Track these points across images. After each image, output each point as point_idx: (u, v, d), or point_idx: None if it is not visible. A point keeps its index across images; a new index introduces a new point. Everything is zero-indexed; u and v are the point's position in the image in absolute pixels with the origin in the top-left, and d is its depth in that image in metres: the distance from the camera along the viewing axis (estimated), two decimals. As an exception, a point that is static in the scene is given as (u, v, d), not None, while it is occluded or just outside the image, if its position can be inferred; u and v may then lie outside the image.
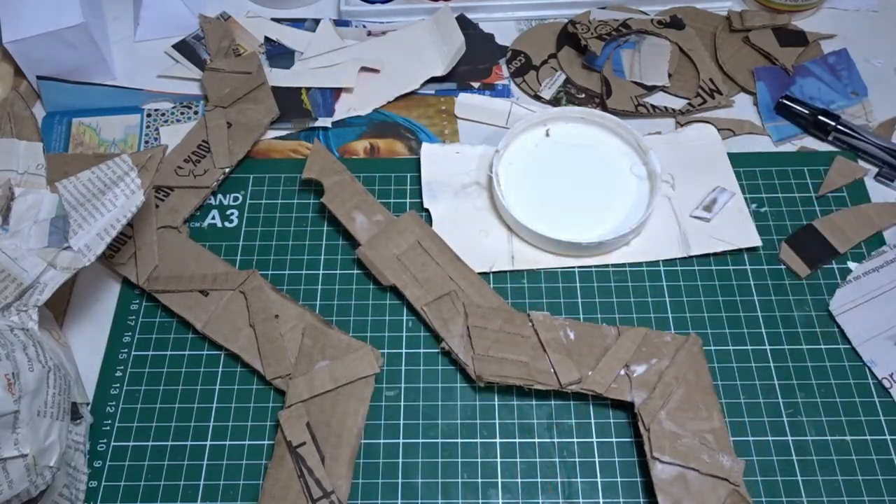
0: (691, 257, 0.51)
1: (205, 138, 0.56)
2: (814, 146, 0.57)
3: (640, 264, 0.51)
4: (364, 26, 0.65)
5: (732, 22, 0.63)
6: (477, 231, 0.52)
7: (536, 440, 0.45)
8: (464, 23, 0.64)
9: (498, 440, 0.45)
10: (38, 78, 0.59)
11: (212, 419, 0.45)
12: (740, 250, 0.51)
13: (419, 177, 0.55)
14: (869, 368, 0.46)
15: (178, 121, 0.59)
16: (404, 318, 0.49)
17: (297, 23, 0.65)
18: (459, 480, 0.43)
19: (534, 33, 0.64)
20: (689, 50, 0.62)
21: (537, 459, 0.44)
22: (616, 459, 0.44)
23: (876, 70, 0.61)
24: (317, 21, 0.65)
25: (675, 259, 0.51)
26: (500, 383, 0.45)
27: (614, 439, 0.44)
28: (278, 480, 0.42)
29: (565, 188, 0.54)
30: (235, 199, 0.55)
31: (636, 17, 0.64)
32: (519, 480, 0.43)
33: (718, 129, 0.57)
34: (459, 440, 0.45)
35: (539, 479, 0.43)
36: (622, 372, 0.45)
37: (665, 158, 0.54)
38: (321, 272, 0.51)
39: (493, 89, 0.61)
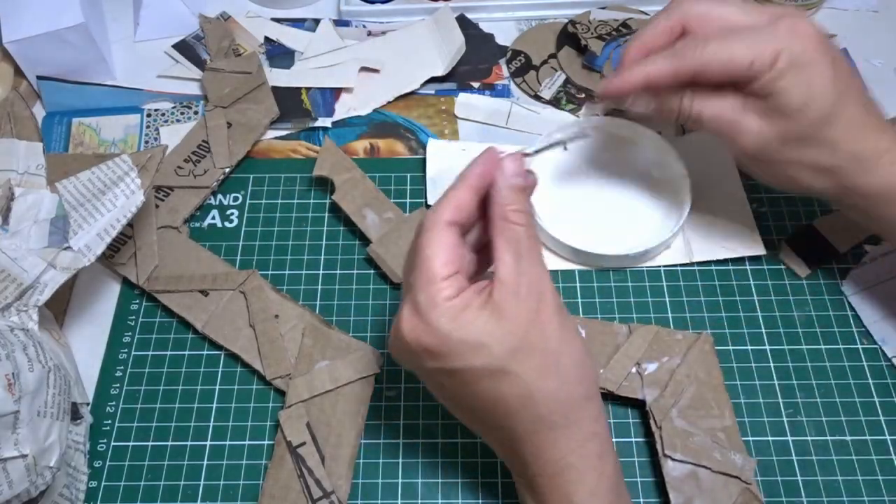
0: (692, 256, 0.51)
1: (205, 138, 0.56)
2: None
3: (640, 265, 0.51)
4: (364, 26, 0.65)
5: (732, 22, 0.63)
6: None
7: (536, 440, 0.44)
8: (464, 23, 0.64)
9: (498, 440, 0.45)
10: (38, 78, 0.59)
11: (212, 419, 0.45)
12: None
13: (420, 177, 0.55)
14: (880, 348, 0.47)
15: (178, 121, 0.59)
16: (404, 318, 0.49)
17: (297, 23, 0.65)
18: (459, 480, 0.43)
19: (534, 33, 0.64)
20: (689, 50, 0.62)
21: (537, 459, 0.44)
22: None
23: (876, 70, 0.61)
24: (317, 21, 0.65)
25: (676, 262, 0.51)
26: None
27: (614, 439, 0.44)
28: (278, 480, 0.42)
29: (591, 199, 0.53)
30: (235, 199, 0.55)
31: (636, 17, 0.64)
32: (519, 480, 0.43)
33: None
34: (459, 440, 0.45)
35: (539, 479, 0.43)
36: (633, 370, 0.45)
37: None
38: (321, 272, 0.51)
39: (493, 89, 0.61)
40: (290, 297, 0.48)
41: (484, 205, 0.36)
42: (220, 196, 0.55)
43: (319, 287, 0.50)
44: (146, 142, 0.58)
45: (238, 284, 0.48)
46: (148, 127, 0.59)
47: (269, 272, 0.51)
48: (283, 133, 0.58)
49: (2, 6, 0.57)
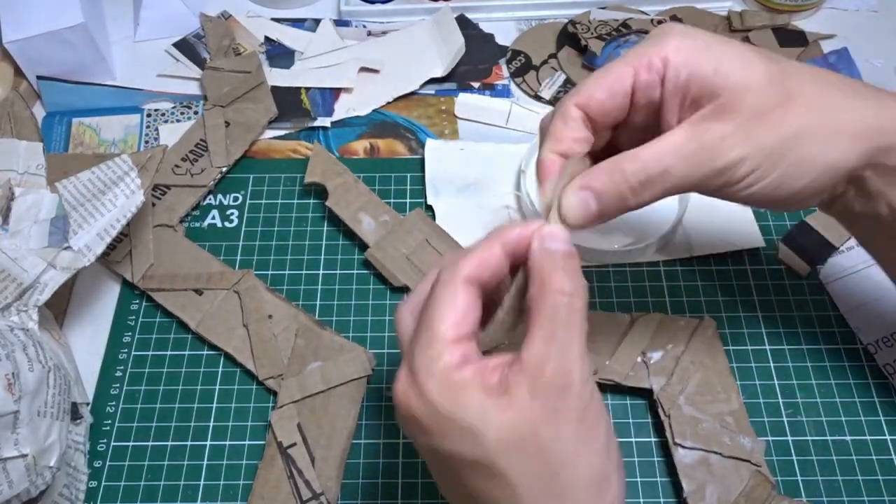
0: (692, 258, 0.51)
1: (202, 137, 0.56)
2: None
3: (640, 264, 0.51)
4: (364, 26, 0.65)
5: (732, 22, 0.63)
6: (481, 228, 0.52)
7: (536, 440, 0.44)
8: (464, 23, 0.64)
9: (498, 440, 0.45)
10: (38, 78, 0.59)
11: (212, 419, 0.45)
12: (741, 251, 0.51)
13: (420, 177, 0.55)
14: (856, 335, 0.47)
15: (177, 121, 0.59)
16: (404, 318, 0.49)
17: (297, 23, 0.65)
18: (459, 480, 0.43)
19: (534, 33, 0.64)
20: (689, 50, 0.62)
21: (537, 459, 0.44)
22: (616, 459, 0.44)
23: (876, 70, 0.61)
24: (317, 21, 0.65)
25: (676, 259, 0.51)
26: None
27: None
28: (268, 481, 0.42)
29: None
30: (235, 199, 0.55)
31: (636, 17, 0.64)
32: (519, 480, 0.43)
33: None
34: (459, 440, 0.44)
35: (539, 479, 0.43)
36: (639, 359, 0.45)
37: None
38: (321, 272, 0.51)
39: (493, 89, 0.61)
40: (284, 298, 0.48)
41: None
42: (219, 196, 0.55)
43: (319, 287, 0.50)
44: (146, 142, 0.58)
45: (233, 284, 0.48)
46: (148, 127, 0.58)
47: (269, 272, 0.51)
48: (283, 133, 0.58)
49: (2, 6, 0.57)
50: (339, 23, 0.65)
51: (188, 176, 0.54)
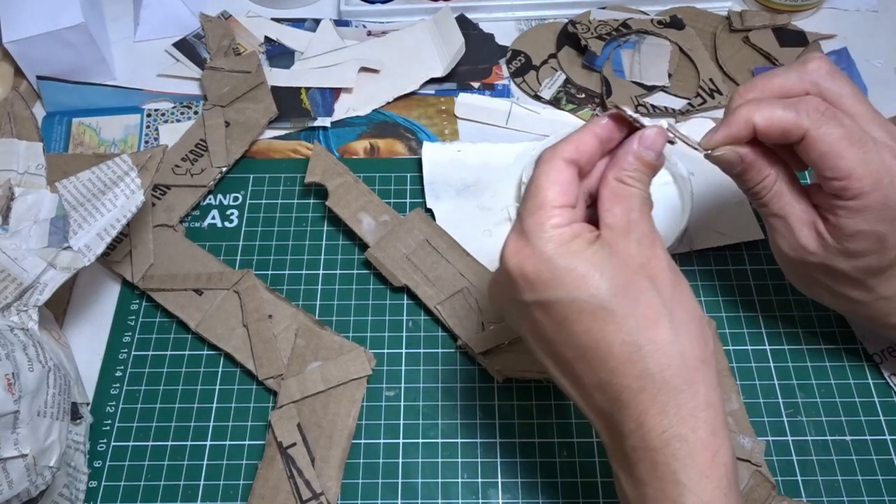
0: (692, 257, 0.51)
1: (202, 137, 0.56)
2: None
3: (640, 264, 0.51)
4: (364, 26, 0.65)
5: (732, 22, 0.63)
6: (481, 231, 0.52)
7: (536, 440, 0.44)
8: (464, 23, 0.64)
9: (498, 440, 0.45)
10: (38, 78, 0.59)
11: (212, 419, 0.45)
12: (742, 246, 0.51)
13: (419, 177, 0.55)
14: (861, 346, 0.47)
15: (177, 121, 0.59)
16: (404, 318, 0.49)
17: (297, 23, 0.65)
18: (459, 480, 0.43)
19: (534, 33, 0.64)
20: (689, 50, 0.62)
21: (537, 459, 0.44)
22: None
23: (876, 70, 0.61)
24: (317, 21, 0.65)
25: (675, 258, 0.51)
26: (519, 379, 0.45)
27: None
28: (268, 481, 0.42)
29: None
30: (235, 199, 0.55)
31: (636, 17, 0.64)
32: (519, 480, 0.43)
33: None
34: (459, 440, 0.45)
35: (539, 480, 0.43)
36: None
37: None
38: (321, 272, 0.51)
39: (493, 89, 0.61)
40: (284, 298, 0.48)
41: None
42: (220, 196, 0.55)
43: (319, 287, 0.50)
44: (146, 142, 0.58)
45: (232, 284, 0.48)
46: (148, 127, 0.59)
47: (269, 272, 0.51)
48: (283, 133, 0.58)
49: (2, 6, 0.57)
50: (339, 23, 0.65)
51: (188, 176, 0.54)
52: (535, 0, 0.65)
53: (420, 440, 0.45)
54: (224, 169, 0.54)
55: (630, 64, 0.61)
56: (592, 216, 0.34)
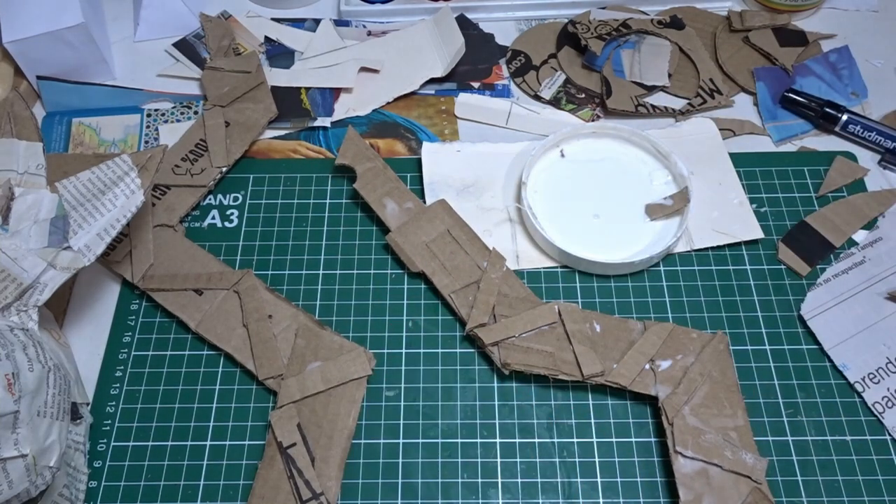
0: (692, 257, 0.51)
1: (202, 137, 0.56)
2: (814, 146, 0.57)
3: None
4: (364, 26, 0.65)
5: (732, 22, 0.63)
6: (481, 230, 0.52)
7: (536, 440, 0.45)
8: (464, 23, 0.64)
9: (498, 440, 0.45)
10: (38, 78, 0.59)
11: (212, 419, 0.45)
12: (742, 246, 0.51)
13: (419, 177, 0.55)
14: (842, 374, 0.46)
15: (177, 121, 0.59)
16: (404, 318, 0.49)
17: (297, 23, 0.65)
18: (459, 480, 0.43)
19: (534, 33, 0.64)
20: (689, 50, 0.62)
21: (537, 459, 0.44)
22: (616, 460, 0.44)
23: (876, 70, 0.61)
24: (317, 21, 0.65)
25: (675, 258, 0.51)
26: (525, 372, 0.45)
27: (614, 440, 0.44)
28: (268, 481, 0.42)
29: (592, 207, 0.53)
30: (235, 199, 0.55)
31: (636, 17, 0.64)
32: (519, 480, 0.43)
33: (719, 130, 0.57)
34: (459, 440, 0.45)
35: (539, 479, 0.43)
36: (647, 366, 0.45)
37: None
38: (321, 272, 0.51)
39: (493, 89, 0.61)
40: (283, 298, 0.48)
41: None
42: (220, 196, 0.55)
43: (319, 287, 0.50)
44: (146, 142, 0.58)
45: (232, 284, 0.48)
46: (148, 127, 0.59)
47: (269, 272, 0.51)
48: (283, 133, 0.58)
49: (2, 6, 0.57)
50: (339, 23, 0.65)
51: (188, 176, 0.54)
52: (535, 0, 0.65)
53: (420, 440, 0.45)
54: (224, 169, 0.54)
55: (630, 64, 0.61)
56: None
